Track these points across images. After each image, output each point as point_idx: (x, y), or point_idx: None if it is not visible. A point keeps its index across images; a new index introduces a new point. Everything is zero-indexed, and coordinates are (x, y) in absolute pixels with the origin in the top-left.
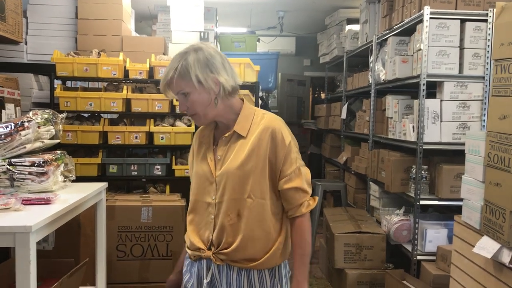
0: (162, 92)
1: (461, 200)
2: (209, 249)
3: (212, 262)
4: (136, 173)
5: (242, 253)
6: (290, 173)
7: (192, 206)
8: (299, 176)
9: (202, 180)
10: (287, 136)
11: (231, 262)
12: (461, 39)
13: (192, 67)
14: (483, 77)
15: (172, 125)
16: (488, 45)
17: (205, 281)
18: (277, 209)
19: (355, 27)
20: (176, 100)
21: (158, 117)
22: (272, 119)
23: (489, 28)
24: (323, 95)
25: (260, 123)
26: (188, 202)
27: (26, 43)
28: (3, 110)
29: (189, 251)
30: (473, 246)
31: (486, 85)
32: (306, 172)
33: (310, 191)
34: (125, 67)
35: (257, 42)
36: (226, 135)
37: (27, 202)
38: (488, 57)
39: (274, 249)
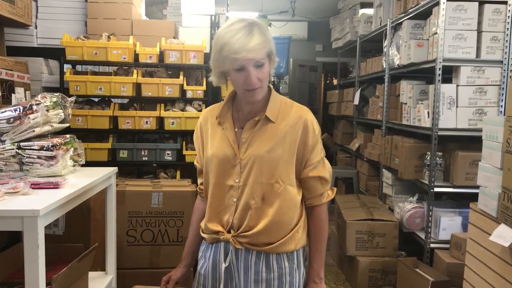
0: (240, 56)
1: (476, 187)
2: (228, 232)
3: (230, 245)
4: (146, 158)
5: (264, 237)
6: (316, 162)
7: (213, 188)
8: (323, 166)
9: (223, 163)
10: (317, 126)
11: (250, 246)
12: (479, 22)
13: (271, 41)
14: (501, 62)
15: (183, 110)
16: (508, 28)
17: (223, 265)
18: (300, 196)
19: (369, 11)
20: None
21: (169, 102)
22: (304, 108)
23: (509, 10)
24: (335, 81)
25: (292, 111)
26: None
27: (36, 27)
28: (13, 94)
29: (204, 235)
30: (490, 235)
31: (505, 70)
32: (328, 163)
33: (330, 182)
34: (135, 51)
35: (269, 27)
36: (256, 118)
37: (35, 186)
38: (507, 40)
39: (293, 232)
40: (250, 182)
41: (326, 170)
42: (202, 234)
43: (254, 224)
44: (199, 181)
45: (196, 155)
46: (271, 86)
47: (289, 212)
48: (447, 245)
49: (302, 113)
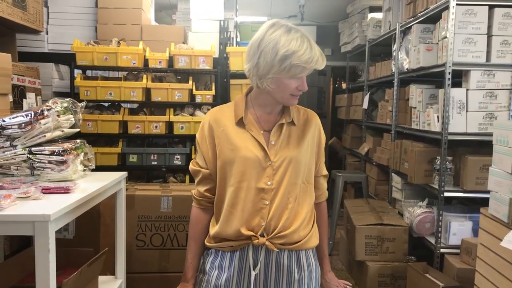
0: (315, 67)
1: (487, 192)
2: (261, 236)
3: (260, 249)
4: (156, 162)
5: (297, 236)
6: (322, 162)
7: (239, 192)
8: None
9: (254, 165)
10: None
11: (283, 246)
12: (489, 26)
13: None
14: None
15: (192, 114)
16: None
17: (253, 273)
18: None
19: (378, 15)
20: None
21: (178, 107)
22: (314, 112)
23: None
24: (344, 85)
25: (306, 115)
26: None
27: (47, 33)
28: (24, 99)
29: (230, 243)
30: (501, 240)
31: None
32: None
33: None
34: (144, 56)
35: None
36: (283, 121)
37: (46, 191)
38: None
39: (314, 227)
40: (284, 183)
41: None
42: (213, 244)
43: (289, 225)
44: (202, 187)
45: (193, 158)
46: None
47: (310, 209)
48: (458, 250)
49: (314, 116)
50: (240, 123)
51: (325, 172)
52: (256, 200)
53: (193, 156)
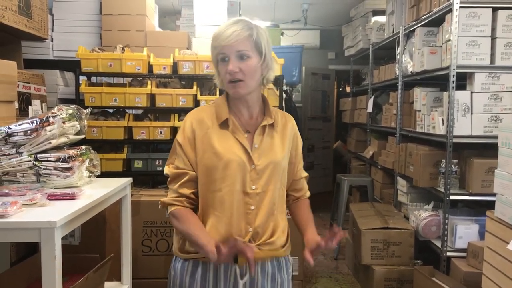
0: (221, 43)
1: (493, 195)
2: (249, 242)
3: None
4: (161, 168)
5: (280, 241)
6: (301, 165)
7: (223, 196)
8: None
9: (239, 168)
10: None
11: (271, 252)
12: (493, 29)
13: (263, 39)
14: None
15: None
16: None
17: (241, 282)
18: None
19: (381, 19)
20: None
21: (183, 112)
22: (290, 116)
23: None
24: (348, 89)
25: (283, 118)
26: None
27: (52, 40)
28: (29, 106)
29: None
30: (507, 243)
31: None
32: None
33: None
34: (149, 62)
35: (281, 36)
36: (265, 123)
37: (52, 197)
38: None
39: (288, 235)
40: (271, 188)
41: None
42: (193, 255)
43: (275, 230)
44: (188, 190)
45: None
46: (265, 96)
47: (285, 214)
48: (464, 254)
49: (291, 120)
50: (224, 125)
51: (304, 173)
52: (241, 205)
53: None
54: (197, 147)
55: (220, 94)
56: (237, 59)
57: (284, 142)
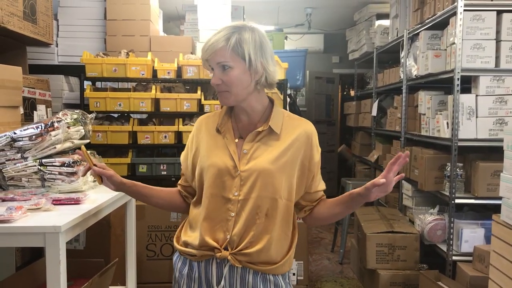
0: (202, 56)
1: (499, 198)
2: (225, 249)
3: (225, 264)
4: (165, 172)
5: (265, 255)
6: (317, 178)
7: (207, 200)
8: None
9: (221, 173)
10: (318, 142)
11: (249, 264)
12: (498, 32)
13: (247, 43)
14: None
15: None
16: None
17: (219, 287)
18: (293, 215)
19: (385, 22)
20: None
21: (187, 117)
22: (308, 122)
23: None
24: (352, 93)
25: (296, 125)
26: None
27: (57, 45)
28: (34, 111)
29: (193, 251)
30: None
31: None
32: None
33: None
34: (153, 67)
35: (285, 40)
36: (260, 129)
37: (57, 202)
38: None
39: (291, 253)
40: (254, 196)
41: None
42: (180, 248)
43: (256, 241)
44: (181, 181)
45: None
46: (273, 100)
47: (288, 230)
48: (470, 258)
49: (307, 127)
50: (219, 130)
51: (322, 186)
52: (222, 211)
53: None
54: (195, 148)
55: None
56: (220, 70)
57: (282, 149)
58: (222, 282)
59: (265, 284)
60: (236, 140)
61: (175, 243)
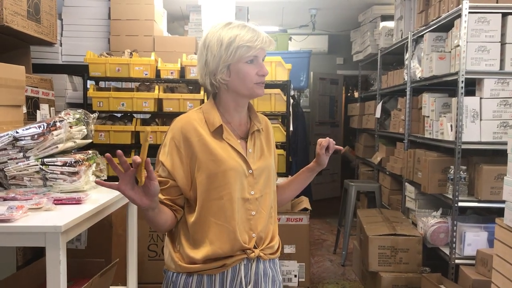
0: (258, 45)
1: (502, 202)
2: (254, 247)
3: (251, 264)
4: None
5: (277, 244)
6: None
7: (228, 204)
8: None
9: (239, 175)
10: None
11: (271, 255)
12: (502, 34)
13: None
14: None
15: None
16: None
17: (249, 286)
18: None
19: (390, 24)
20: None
21: None
22: (267, 118)
23: None
24: (356, 94)
25: (263, 121)
26: None
27: (61, 45)
28: (37, 111)
29: (220, 263)
30: None
31: None
32: None
33: None
34: (156, 67)
35: (289, 41)
36: (255, 128)
37: (58, 202)
38: None
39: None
40: (266, 192)
41: None
42: (200, 266)
43: (274, 234)
44: (163, 196)
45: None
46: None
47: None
48: (473, 261)
49: (269, 122)
50: (217, 132)
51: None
52: (243, 211)
53: None
54: (191, 155)
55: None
56: (262, 61)
57: (269, 145)
58: (252, 281)
59: (275, 269)
60: (239, 141)
61: (180, 263)
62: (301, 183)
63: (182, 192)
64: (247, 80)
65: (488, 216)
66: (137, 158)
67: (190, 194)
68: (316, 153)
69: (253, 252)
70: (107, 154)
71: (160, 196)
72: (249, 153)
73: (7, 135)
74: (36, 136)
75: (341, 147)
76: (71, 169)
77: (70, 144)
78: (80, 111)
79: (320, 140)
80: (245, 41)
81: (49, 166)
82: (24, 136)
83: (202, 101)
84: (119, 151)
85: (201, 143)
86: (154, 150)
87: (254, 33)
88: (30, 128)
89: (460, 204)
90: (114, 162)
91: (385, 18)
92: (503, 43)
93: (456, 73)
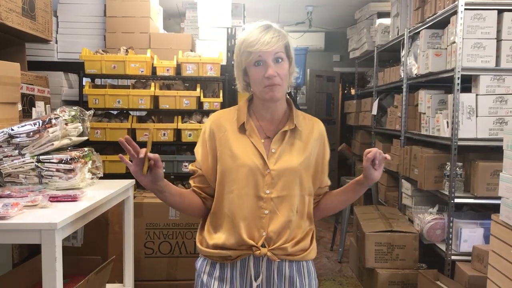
0: (258, 48)
1: (498, 198)
2: (263, 246)
3: (262, 259)
4: (164, 170)
5: (299, 246)
6: (326, 174)
7: (240, 199)
8: None
9: (253, 172)
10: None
11: (286, 257)
12: (498, 31)
13: (288, 38)
14: None
15: (200, 122)
16: None
17: (255, 284)
18: None
19: (386, 21)
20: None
21: (186, 114)
22: (320, 122)
23: None
24: (353, 91)
25: (311, 124)
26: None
27: (56, 42)
28: (33, 108)
29: (227, 252)
30: None
31: None
32: None
33: None
34: (152, 64)
35: None
36: (286, 128)
37: (54, 199)
38: None
39: (314, 242)
40: (286, 194)
41: None
42: (211, 251)
43: (292, 237)
44: (194, 183)
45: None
46: (291, 100)
47: (312, 221)
48: (469, 258)
49: (320, 126)
50: (242, 129)
51: (329, 182)
52: (255, 209)
53: None
54: (216, 148)
55: (223, 97)
56: (273, 63)
57: (306, 148)
58: (260, 277)
59: (300, 272)
60: (263, 140)
61: (199, 246)
62: (347, 195)
63: (209, 183)
64: (257, 84)
65: (484, 212)
66: (141, 153)
67: (214, 185)
68: (363, 166)
69: (259, 250)
70: (120, 155)
71: (191, 183)
72: (271, 152)
73: (2, 132)
74: (31, 133)
75: (388, 155)
76: (67, 167)
77: (65, 141)
78: (75, 108)
79: (366, 151)
80: (246, 46)
81: (45, 164)
82: (20, 134)
83: (199, 98)
84: (128, 136)
85: (224, 139)
86: (152, 146)
87: (256, 36)
88: (25, 125)
89: (456, 200)
90: (126, 159)
91: (381, 15)
92: (499, 40)
93: (452, 70)
